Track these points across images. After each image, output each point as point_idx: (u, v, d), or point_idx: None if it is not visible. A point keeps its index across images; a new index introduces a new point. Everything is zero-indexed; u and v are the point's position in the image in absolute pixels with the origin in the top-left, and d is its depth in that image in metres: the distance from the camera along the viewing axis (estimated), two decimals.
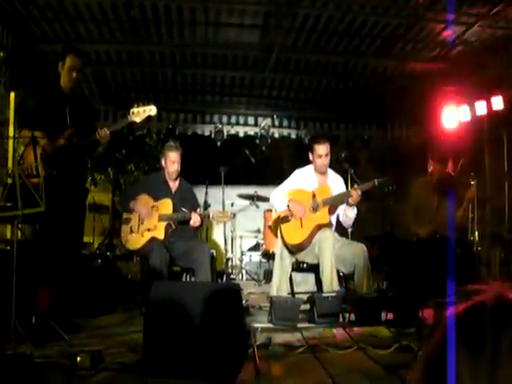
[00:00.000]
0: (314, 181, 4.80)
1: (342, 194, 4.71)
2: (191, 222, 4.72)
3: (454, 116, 6.72)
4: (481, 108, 6.22)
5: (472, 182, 5.12)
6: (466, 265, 4.62)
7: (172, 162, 4.91)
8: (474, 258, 5.23)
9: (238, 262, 8.04)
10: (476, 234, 5.51)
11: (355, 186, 4.55)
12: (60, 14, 5.63)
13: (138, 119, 4.19)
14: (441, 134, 6.87)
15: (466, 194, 5.02)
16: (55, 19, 5.75)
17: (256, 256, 7.83)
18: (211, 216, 4.79)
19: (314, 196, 4.61)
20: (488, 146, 6.39)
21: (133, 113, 4.16)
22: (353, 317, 4.30)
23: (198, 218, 4.73)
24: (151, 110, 4.21)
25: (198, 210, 4.89)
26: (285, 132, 8.10)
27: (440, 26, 5.75)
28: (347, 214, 4.67)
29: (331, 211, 4.70)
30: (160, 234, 4.68)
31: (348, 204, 4.57)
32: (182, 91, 7.71)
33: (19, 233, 3.66)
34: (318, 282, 4.63)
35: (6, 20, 5.56)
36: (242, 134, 8.07)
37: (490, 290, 0.66)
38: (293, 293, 4.80)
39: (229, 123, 7.99)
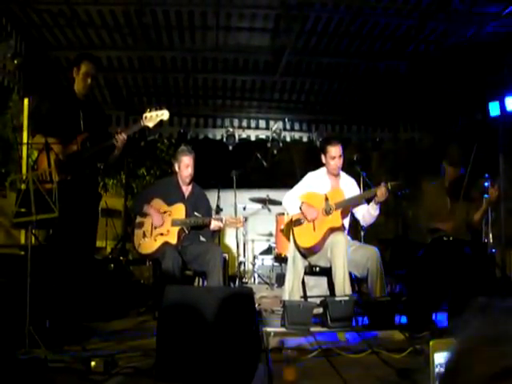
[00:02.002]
0: (327, 184, 4.78)
1: (357, 196, 4.71)
2: (211, 227, 4.74)
3: (467, 117, 6.67)
4: (495, 109, 6.17)
5: (486, 184, 5.05)
6: (480, 267, 4.57)
7: (186, 166, 4.92)
8: (489, 260, 5.17)
9: (250, 266, 8.03)
10: (490, 236, 5.45)
11: (382, 183, 4.53)
12: (72, 21, 5.68)
13: (150, 124, 4.20)
14: (454, 136, 6.81)
15: (485, 196, 4.92)
16: (68, 26, 5.81)
17: (268, 260, 7.82)
18: (224, 222, 4.78)
19: (326, 199, 4.59)
20: (502, 147, 6.33)
21: (146, 117, 4.18)
22: (366, 320, 4.28)
23: (218, 223, 4.74)
24: (163, 114, 4.22)
25: (215, 215, 4.90)
26: (296, 135, 8.08)
27: (452, 26, 5.71)
28: (371, 212, 4.64)
29: (344, 214, 4.68)
30: (173, 239, 4.69)
31: (374, 202, 4.56)
32: (193, 96, 7.73)
33: (33, 238, 3.69)
34: (331, 285, 4.61)
35: (19, 27, 5.62)
36: (253, 138, 8.07)
37: None
38: (305, 296, 4.79)
39: (240, 127, 7.99)
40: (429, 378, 1.35)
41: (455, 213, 4.74)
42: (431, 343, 1.37)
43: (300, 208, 4.58)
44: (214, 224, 4.72)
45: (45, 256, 3.92)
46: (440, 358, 1.31)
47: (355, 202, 4.69)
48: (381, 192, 4.46)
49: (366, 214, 4.69)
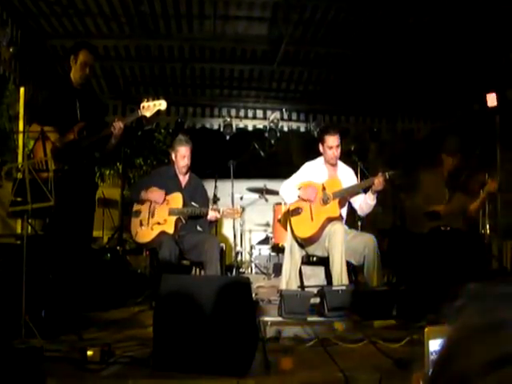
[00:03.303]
0: (324, 173, 4.78)
1: (354, 185, 4.71)
2: (209, 217, 4.73)
3: (465, 108, 6.65)
4: (492, 99, 6.14)
5: (486, 175, 5.06)
6: (477, 258, 4.58)
7: (182, 156, 4.91)
8: (486, 251, 5.18)
9: (247, 256, 8.04)
10: (487, 226, 5.46)
11: (380, 172, 4.52)
12: (69, 9, 5.63)
13: (148, 113, 4.19)
14: (452, 127, 6.80)
15: (484, 187, 4.94)
16: (64, 14, 5.76)
17: (265, 250, 7.83)
18: (221, 212, 4.77)
19: (323, 189, 4.59)
20: (500, 137, 6.32)
21: (143, 107, 4.16)
22: (363, 310, 4.28)
23: (215, 214, 4.73)
24: (161, 104, 4.21)
25: (213, 205, 4.89)
26: (294, 125, 8.07)
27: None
28: (368, 201, 4.64)
29: (341, 204, 4.68)
30: (170, 228, 4.69)
31: (371, 191, 4.55)
32: (190, 85, 7.69)
33: (29, 227, 3.67)
34: (328, 275, 4.62)
35: (15, 16, 5.57)
36: (250, 128, 8.05)
37: None
38: (302, 286, 4.79)
39: (237, 117, 7.96)
40: (423, 366, 1.35)
41: (452, 202, 4.75)
42: (426, 330, 1.37)
43: (298, 196, 4.58)
44: (212, 214, 4.72)
45: (41, 245, 3.91)
46: (435, 345, 1.31)
47: (353, 191, 4.69)
48: (378, 181, 4.46)
49: (363, 203, 4.68)
